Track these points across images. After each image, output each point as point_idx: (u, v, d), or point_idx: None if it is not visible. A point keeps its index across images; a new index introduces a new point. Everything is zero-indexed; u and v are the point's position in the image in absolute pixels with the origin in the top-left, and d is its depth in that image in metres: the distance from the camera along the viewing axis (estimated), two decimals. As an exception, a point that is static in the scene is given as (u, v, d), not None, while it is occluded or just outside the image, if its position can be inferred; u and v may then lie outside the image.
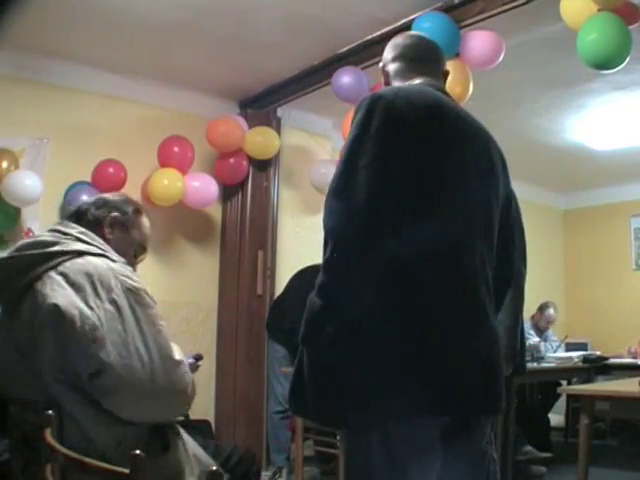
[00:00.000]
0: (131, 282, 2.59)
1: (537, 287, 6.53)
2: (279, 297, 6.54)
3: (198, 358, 3.15)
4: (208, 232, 6.92)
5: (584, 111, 7.13)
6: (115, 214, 2.90)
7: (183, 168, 6.17)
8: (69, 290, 2.48)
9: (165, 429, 2.63)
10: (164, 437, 2.62)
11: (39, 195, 5.47)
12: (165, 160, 6.13)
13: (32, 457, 2.41)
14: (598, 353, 7.49)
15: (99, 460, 1.86)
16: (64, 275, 2.53)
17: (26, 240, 2.79)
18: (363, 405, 2.10)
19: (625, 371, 7.05)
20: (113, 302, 2.48)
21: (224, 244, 6.95)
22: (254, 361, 6.60)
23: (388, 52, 2.68)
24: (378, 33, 5.34)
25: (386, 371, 2.07)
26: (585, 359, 7.05)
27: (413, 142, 2.17)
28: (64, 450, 1.93)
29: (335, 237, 2.11)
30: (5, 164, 5.38)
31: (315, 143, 7.26)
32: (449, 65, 4.70)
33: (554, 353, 7.56)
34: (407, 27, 4.86)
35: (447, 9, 4.83)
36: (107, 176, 5.80)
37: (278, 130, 6.89)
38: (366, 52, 5.45)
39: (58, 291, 2.47)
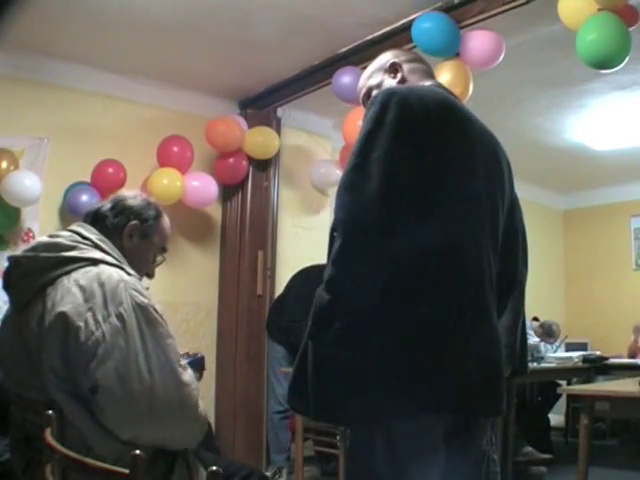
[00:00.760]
0: (142, 298, 2.51)
1: (537, 287, 6.52)
2: (279, 297, 6.54)
3: (198, 363, 3.10)
4: (208, 232, 6.92)
5: (584, 111, 7.13)
6: (135, 222, 2.83)
7: (182, 168, 6.17)
8: (79, 297, 2.43)
9: (174, 456, 2.55)
10: (170, 463, 2.54)
11: (39, 195, 5.46)
12: (165, 160, 6.13)
13: (33, 457, 2.40)
14: (598, 353, 7.48)
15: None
16: (77, 282, 2.48)
17: (43, 240, 2.72)
18: (367, 403, 2.10)
19: (625, 371, 7.04)
20: (120, 317, 2.41)
21: (224, 244, 6.95)
22: (254, 361, 6.59)
23: (401, 53, 2.70)
24: (378, 33, 5.34)
25: (391, 369, 2.08)
26: (585, 359, 7.05)
27: (426, 139, 2.17)
28: (64, 450, 1.93)
29: (346, 230, 2.10)
30: (5, 164, 5.37)
31: (315, 143, 7.27)
32: (449, 65, 4.75)
33: (554, 353, 7.56)
34: (407, 27, 4.88)
35: (447, 9, 4.83)
36: (107, 176, 5.79)
37: (278, 130, 6.88)
38: (366, 52, 5.44)
39: (67, 299, 2.42)
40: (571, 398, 7.53)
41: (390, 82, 2.59)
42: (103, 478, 1.79)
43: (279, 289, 6.68)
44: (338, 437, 4.93)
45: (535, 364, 6.41)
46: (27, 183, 5.37)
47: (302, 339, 2.27)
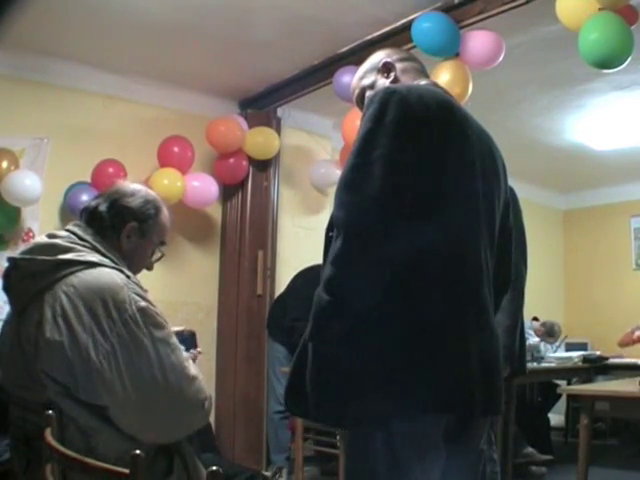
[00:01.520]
0: (143, 302, 2.49)
1: (537, 287, 6.52)
2: (280, 296, 6.54)
3: (190, 341, 3.07)
4: (208, 232, 6.92)
5: (584, 111, 7.14)
6: (133, 224, 2.77)
7: (183, 168, 6.18)
8: (82, 308, 2.39)
9: (172, 453, 2.57)
10: (170, 461, 2.56)
11: (39, 195, 5.46)
12: (165, 160, 6.13)
13: (33, 457, 2.39)
14: (598, 353, 7.49)
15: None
16: (76, 290, 2.44)
17: (40, 241, 2.70)
18: (367, 403, 2.09)
19: (625, 371, 7.06)
20: (126, 324, 2.40)
21: (224, 244, 6.95)
22: (254, 361, 6.59)
23: (394, 52, 2.69)
24: (378, 33, 5.34)
25: (391, 369, 2.07)
26: (585, 359, 7.06)
27: (426, 139, 2.16)
28: (64, 450, 1.93)
29: (345, 230, 2.09)
30: (5, 164, 5.38)
31: (315, 143, 7.27)
32: (449, 65, 4.75)
33: (554, 353, 7.57)
34: (407, 27, 4.88)
35: (447, 9, 4.83)
36: (107, 176, 5.76)
37: (278, 130, 6.89)
38: (366, 52, 5.39)
39: (70, 310, 2.39)
40: (571, 398, 7.53)
41: (383, 82, 2.58)
42: (103, 478, 1.79)
43: (279, 289, 6.69)
44: (338, 437, 4.93)
45: (535, 364, 6.42)
46: (27, 183, 5.37)
47: (302, 338, 2.27)
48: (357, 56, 5.55)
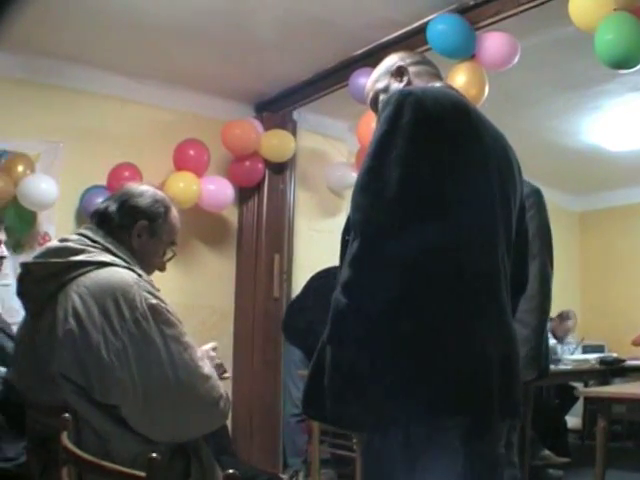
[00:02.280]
0: (155, 300, 2.51)
1: (553, 289, 6.49)
2: (296, 298, 6.54)
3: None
4: (224, 235, 6.93)
5: (600, 112, 7.11)
6: (143, 222, 2.80)
7: (199, 171, 6.19)
8: (94, 308, 2.42)
9: (189, 456, 2.58)
10: (187, 464, 2.57)
11: (55, 199, 5.49)
12: (181, 163, 6.15)
13: (50, 460, 2.40)
14: (615, 355, 7.46)
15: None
16: (88, 289, 2.47)
17: (52, 245, 2.73)
18: (384, 406, 2.09)
19: (642, 373, 7.03)
20: (137, 321, 2.42)
21: (240, 247, 6.96)
22: (270, 364, 6.60)
23: (407, 56, 2.69)
24: (393, 35, 5.33)
25: (408, 372, 2.07)
26: (602, 361, 7.03)
27: (442, 141, 2.17)
28: (80, 453, 1.93)
29: (363, 232, 2.10)
30: (21, 168, 5.42)
31: (330, 146, 7.26)
32: (464, 67, 4.74)
33: (571, 355, 7.54)
34: (422, 29, 4.86)
35: (462, 10, 4.81)
36: (122, 179, 5.74)
37: (294, 133, 6.89)
38: (381, 54, 5.39)
39: (81, 309, 2.42)
40: (588, 400, 7.50)
41: (397, 86, 2.58)
42: (119, 481, 1.80)
43: (295, 292, 6.69)
44: (355, 440, 4.92)
45: (552, 366, 6.40)
46: (43, 187, 5.40)
47: (319, 341, 2.27)
48: (372, 58, 5.54)
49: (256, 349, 6.63)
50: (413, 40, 5.12)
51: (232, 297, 6.93)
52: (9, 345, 3.32)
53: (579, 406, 7.95)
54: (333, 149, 7.27)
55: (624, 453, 7.21)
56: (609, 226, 10.55)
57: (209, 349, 2.84)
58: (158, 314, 2.48)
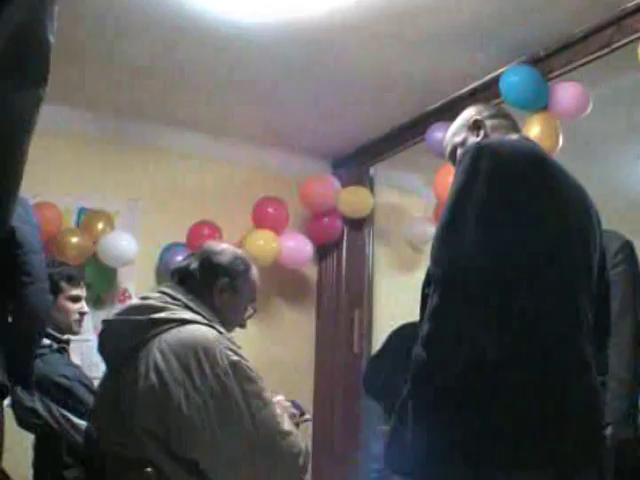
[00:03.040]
0: (236, 357, 2.55)
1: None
2: (376, 354, 6.49)
3: (298, 408, 3.10)
4: (303, 291, 6.95)
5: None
6: (224, 280, 2.85)
7: (278, 229, 6.24)
8: (174, 363, 2.46)
9: None
10: None
11: (135, 256, 5.61)
12: (260, 221, 6.21)
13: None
14: None
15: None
16: (170, 346, 2.51)
17: (134, 302, 2.80)
18: (471, 459, 2.07)
19: None
20: (217, 377, 2.45)
21: (320, 303, 6.97)
22: (350, 420, 6.56)
23: (484, 109, 2.72)
24: (467, 88, 5.33)
25: (494, 424, 2.05)
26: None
27: (520, 193, 2.17)
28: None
29: (442, 285, 2.10)
30: (101, 225, 5.57)
31: (408, 200, 7.26)
32: (538, 118, 4.71)
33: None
34: (495, 81, 4.85)
35: (533, 61, 4.80)
36: (202, 237, 5.83)
37: (371, 188, 6.91)
38: (457, 108, 5.42)
39: (163, 365, 2.46)
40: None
41: (474, 139, 2.60)
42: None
43: (375, 347, 6.66)
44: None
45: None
46: (123, 244, 5.52)
47: (399, 396, 2.26)
48: (447, 112, 5.56)
49: (336, 405, 6.61)
50: (486, 93, 5.11)
51: (312, 353, 6.93)
52: (90, 399, 3.38)
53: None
54: (411, 204, 7.27)
55: None
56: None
57: (282, 400, 2.86)
58: (239, 370, 2.51)
